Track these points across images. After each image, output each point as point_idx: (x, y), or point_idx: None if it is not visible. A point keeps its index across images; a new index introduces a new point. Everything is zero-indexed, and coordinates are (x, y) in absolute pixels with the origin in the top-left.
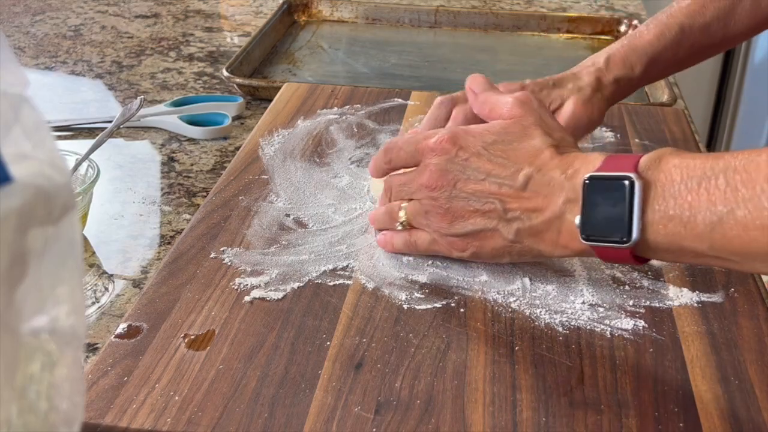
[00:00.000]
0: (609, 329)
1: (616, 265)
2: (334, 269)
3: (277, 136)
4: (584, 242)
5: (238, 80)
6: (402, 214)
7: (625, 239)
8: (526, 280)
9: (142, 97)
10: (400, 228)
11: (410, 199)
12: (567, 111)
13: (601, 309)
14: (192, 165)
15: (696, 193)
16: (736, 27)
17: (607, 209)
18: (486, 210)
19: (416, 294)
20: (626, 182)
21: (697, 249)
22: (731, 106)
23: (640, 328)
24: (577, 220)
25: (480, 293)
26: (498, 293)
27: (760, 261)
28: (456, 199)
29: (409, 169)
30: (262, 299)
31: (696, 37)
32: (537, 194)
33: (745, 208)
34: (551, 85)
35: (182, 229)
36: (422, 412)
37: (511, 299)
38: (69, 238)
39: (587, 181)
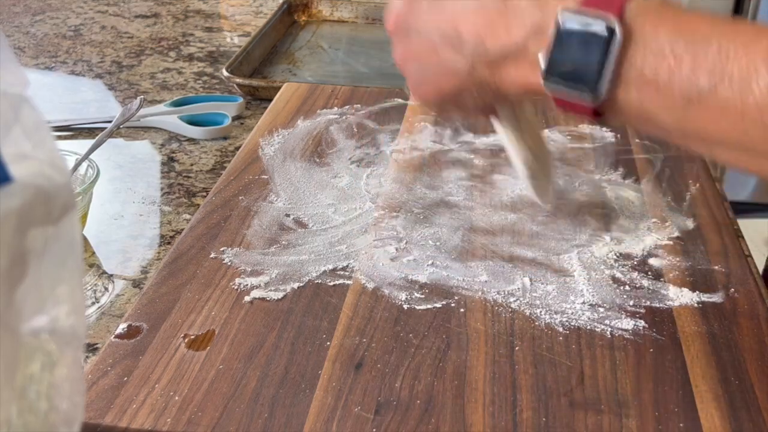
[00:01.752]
0: (609, 329)
1: (616, 265)
2: (334, 269)
3: (277, 136)
4: (544, 83)
5: (238, 80)
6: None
7: (591, 93)
8: (526, 280)
9: (142, 97)
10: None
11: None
12: None
13: (601, 309)
14: (192, 165)
15: (680, 58)
16: None
17: (578, 52)
18: (443, 41)
19: (416, 294)
20: (605, 26)
21: (665, 122)
22: None
23: (640, 328)
24: (542, 56)
25: (480, 293)
26: (498, 293)
27: (725, 148)
28: (415, 32)
29: None
30: (262, 299)
31: None
32: (498, 18)
33: (730, 88)
34: None
35: (182, 229)
36: (422, 413)
37: (511, 299)
38: (69, 238)
39: (561, 14)
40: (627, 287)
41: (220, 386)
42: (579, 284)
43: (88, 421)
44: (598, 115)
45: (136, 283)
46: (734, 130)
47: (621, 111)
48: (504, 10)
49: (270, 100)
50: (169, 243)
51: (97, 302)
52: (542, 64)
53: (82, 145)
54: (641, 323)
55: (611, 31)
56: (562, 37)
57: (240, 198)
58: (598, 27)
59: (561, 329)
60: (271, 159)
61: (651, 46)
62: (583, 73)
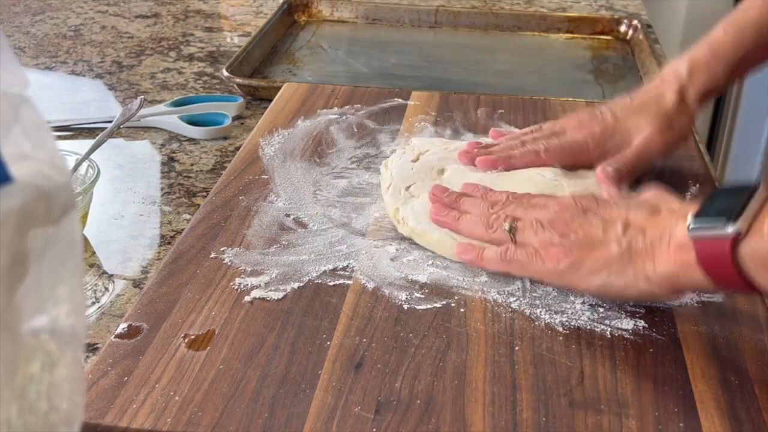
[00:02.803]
0: (609, 329)
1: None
2: (334, 269)
3: (277, 136)
4: (689, 234)
5: (238, 80)
6: (506, 225)
7: (728, 223)
8: (526, 280)
9: (142, 97)
10: (504, 232)
11: (516, 219)
12: (643, 138)
13: (601, 309)
14: (192, 165)
15: None
16: None
17: (723, 203)
18: (606, 227)
19: (416, 294)
20: (749, 187)
21: None
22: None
23: (640, 328)
24: (690, 217)
25: (480, 293)
26: (498, 293)
27: None
28: (579, 220)
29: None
30: (262, 299)
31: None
32: (661, 218)
33: None
34: (632, 109)
35: (182, 229)
36: (422, 412)
37: (511, 299)
38: (69, 238)
39: (711, 190)
40: None
41: (220, 386)
42: None
43: (88, 421)
44: (741, 275)
45: (137, 283)
46: None
47: (757, 256)
48: (668, 211)
49: (270, 100)
50: (169, 243)
51: (98, 302)
52: (689, 221)
53: (82, 145)
54: (641, 323)
55: (755, 188)
56: (709, 200)
57: (240, 198)
58: (743, 187)
59: (561, 329)
60: (271, 159)
61: None
62: (723, 211)
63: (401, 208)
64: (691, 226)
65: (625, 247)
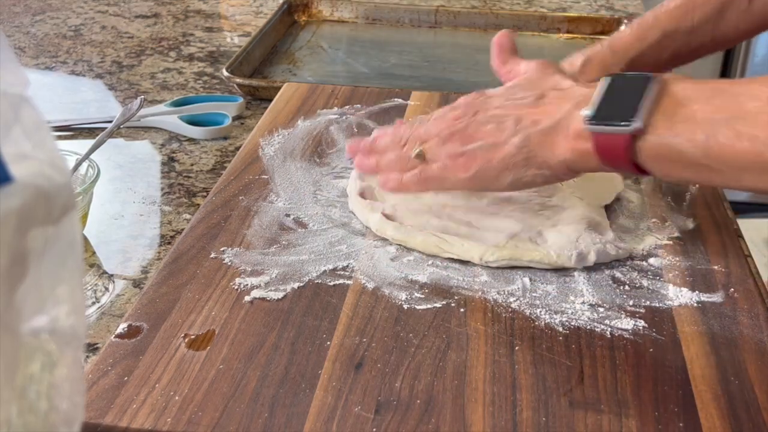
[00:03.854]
0: (609, 329)
1: (616, 264)
2: (334, 269)
3: (277, 136)
4: (587, 127)
5: (238, 80)
6: (415, 150)
7: (628, 121)
8: (526, 280)
9: (142, 97)
10: (416, 159)
11: (423, 142)
12: None
13: (601, 309)
14: (192, 165)
15: (703, 104)
16: (725, 31)
17: (619, 99)
18: (500, 128)
19: (416, 294)
20: (644, 79)
21: (692, 155)
22: None
23: (640, 328)
24: (586, 110)
25: (480, 293)
26: (498, 293)
27: (748, 173)
28: (474, 123)
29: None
30: (262, 299)
31: (681, 41)
32: (550, 103)
33: (743, 120)
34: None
35: (182, 229)
36: (422, 412)
37: (511, 299)
38: (69, 238)
39: (605, 80)
40: (627, 287)
41: (220, 386)
42: (579, 284)
43: (89, 421)
44: (634, 164)
45: (137, 283)
46: (748, 153)
47: (653, 148)
48: (556, 96)
49: (270, 100)
50: (169, 243)
51: (98, 302)
52: (586, 116)
53: (83, 145)
54: (641, 323)
55: (648, 80)
56: (605, 93)
57: (240, 198)
58: (638, 80)
59: (561, 329)
60: (271, 159)
61: (680, 95)
62: (622, 109)
63: (370, 218)
64: (588, 119)
65: (523, 141)
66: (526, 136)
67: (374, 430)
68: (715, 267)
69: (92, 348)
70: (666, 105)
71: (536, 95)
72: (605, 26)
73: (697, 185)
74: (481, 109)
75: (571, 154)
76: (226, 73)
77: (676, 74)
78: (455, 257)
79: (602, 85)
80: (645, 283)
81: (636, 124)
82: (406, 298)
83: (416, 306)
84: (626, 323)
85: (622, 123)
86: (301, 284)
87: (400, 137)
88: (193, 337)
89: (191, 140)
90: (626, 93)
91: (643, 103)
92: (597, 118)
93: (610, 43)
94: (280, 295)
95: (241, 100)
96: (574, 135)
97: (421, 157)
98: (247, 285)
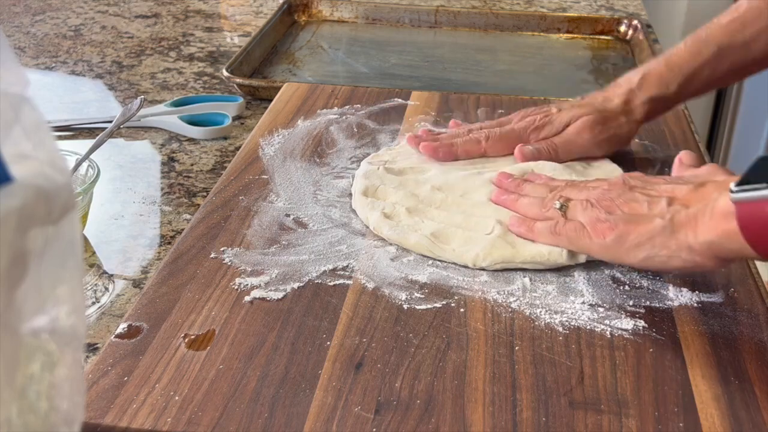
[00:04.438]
0: (609, 329)
1: (616, 264)
2: (334, 269)
3: (277, 136)
4: (731, 198)
5: (238, 80)
6: (557, 203)
7: None
8: (526, 280)
9: (142, 97)
10: (555, 210)
11: (568, 200)
12: (573, 127)
13: (601, 309)
14: (192, 165)
15: None
16: None
17: (765, 169)
18: (650, 205)
19: (416, 294)
20: None
21: None
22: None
23: (640, 328)
24: (733, 184)
25: (480, 293)
26: (498, 293)
27: None
28: (626, 196)
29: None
30: (262, 299)
31: (736, 55)
32: (706, 190)
33: None
34: (577, 105)
35: (182, 229)
36: (422, 412)
37: (511, 299)
38: (69, 238)
39: (756, 158)
40: (627, 287)
41: (220, 386)
42: (579, 284)
43: (89, 421)
44: None
45: (137, 283)
46: None
47: None
48: (714, 185)
49: (270, 100)
50: (169, 243)
51: (98, 302)
52: (734, 184)
53: (83, 145)
54: (641, 323)
55: None
56: (751, 170)
57: (240, 198)
58: None
59: (561, 329)
60: (271, 159)
61: None
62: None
63: (370, 216)
64: (733, 191)
65: (669, 220)
66: (673, 215)
67: (374, 430)
68: None
69: (92, 348)
70: None
71: (696, 184)
72: (605, 26)
73: None
74: (638, 186)
75: (716, 234)
76: (226, 73)
77: None
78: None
79: (752, 163)
80: (645, 283)
81: None
82: (406, 298)
83: (416, 306)
84: (626, 323)
85: (765, 188)
86: (301, 284)
87: (551, 187)
88: (193, 337)
89: (191, 140)
90: None
91: None
92: (742, 187)
93: (666, 60)
94: (280, 295)
95: (241, 100)
96: (719, 214)
97: (563, 210)
98: (247, 285)
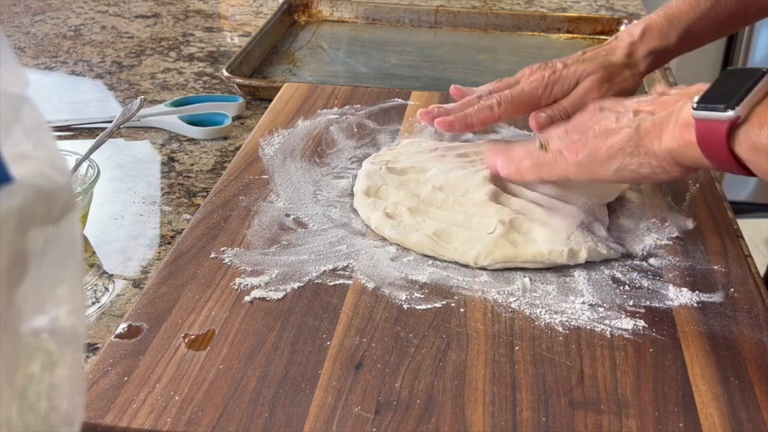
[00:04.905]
0: (609, 329)
1: (616, 264)
2: (334, 269)
3: (277, 136)
4: (693, 113)
5: (238, 80)
6: (538, 143)
7: (729, 108)
8: (526, 280)
9: (142, 97)
10: (538, 151)
11: (548, 140)
12: (581, 88)
13: (601, 309)
14: (192, 165)
15: None
16: None
17: (727, 89)
18: (618, 118)
19: (416, 294)
20: (756, 73)
21: None
22: None
23: (640, 328)
24: (696, 98)
25: (480, 293)
26: (498, 293)
27: None
28: (597, 116)
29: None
30: (262, 299)
31: (732, 6)
32: (669, 98)
33: None
34: (581, 59)
35: (182, 229)
36: (422, 412)
37: (511, 299)
38: (69, 238)
39: (721, 73)
40: (627, 287)
41: (220, 386)
42: (579, 284)
43: (89, 421)
44: (735, 158)
45: (137, 283)
46: None
47: (750, 140)
48: (676, 92)
49: (270, 100)
50: (169, 243)
51: (98, 302)
52: (696, 98)
53: (83, 145)
54: (641, 323)
55: (763, 74)
56: (716, 82)
57: (240, 198)
58: (752, 72)
59: (561, 329)
60: (271, 159)
61: None
62: (726, 96)
63: (372, 216)
64: (694, 106)
65: (635, 128)
66: (638, 124)
67: (374, 430)
68: (715, 267)
69: (92, 348)
70: None
71: (659, 93)
72: (605, 26)
73: (698, 185)
74: (608, 106)
75: (677, 143)
76: (226, 73)
77: None
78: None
79: (718, 76)
80: (645, 283)
81: (735, 112)
82: (406, 298)
83: (416, 306)
84: (626, 323)
85: (723, 110)
86: (301, 284)
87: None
88: (193, 337)
89: (191, 140)
90: (737, 84)
91: (749, 95)
92: (702, 104)
93: (666, 13)
94: (280, 295)
95: (241, 100)
96: (681, 124)
97: (543, 148)
98: (247, 285)
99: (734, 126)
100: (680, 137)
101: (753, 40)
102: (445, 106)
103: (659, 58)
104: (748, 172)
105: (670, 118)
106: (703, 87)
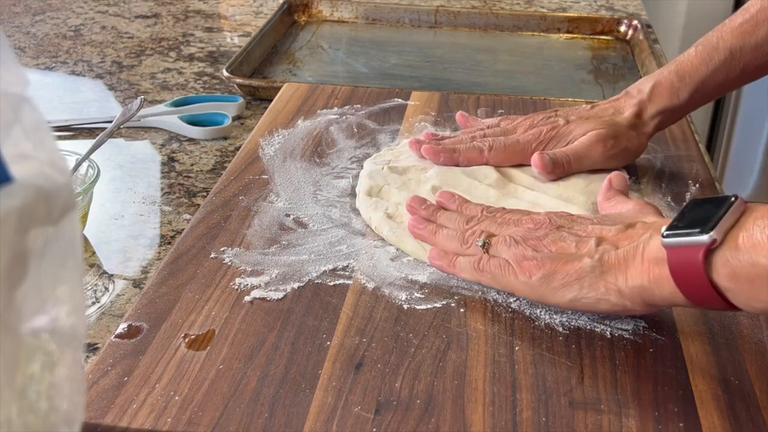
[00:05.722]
0: (609, 329)
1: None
2: (334, 269)
3: (277, 136)
4: (662, 242)
5: (238, 80)
6: (480, 241)
7: (704, 232)
8: None
9: (142, 97)
10: (478, 247)
11: (490, 235)
12: (586, 140)
13: None
14: (192, 165)
15: None
16: None
17: (699, 213)
18: (579, 245)
19: (416, 294)
20: (727, 199)
21: None
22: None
23: (640, 328)
24: (665, 228)
25: (480, 293)
26: (498, 293)
27: None
28: (554, 235)
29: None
30: (263, 299)
31: (748, 58)
32: (635, 232)
33: None
34: (586, 116)
35: (182, 229)
36: (422, 412)
37: (511, 299)
38: (69, 238)
39: (688, 202)
40: None
41: (220, 386)
42: None
43: (89, 421)
44: (712, 286)
45: (137, 283)
46: None
47: (732, 265)
48: (642, 226)
49: (270, 100)
50: (169, 243)
51: (98, 302)
52: (663, 232)
53: (83, 145)
54: (641, 323)
55: (734, 199)
56: (684, 212)
57: (240, 198)
58: (720, 200)
59: (561, 329)
60: (271, 159)
61: (761, 212)
62: (699, 221)
63: (372, 216)
64: (664, 235)
65: (597, 261)
66: (601, 255)
67: (374, 430)
68: None
69: (92, 348)
70: (747, 220)
71: (625, 224)
72: (605, 26)
73: (698, 185)
74: (565, 225)
75: (647, 279)
76: (226, 73)
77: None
78: None
79: (685, 205)
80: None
81: (711, 235)
82: (406, 298)
83: (416, 306)
84: (626, 323)
85: (697, 234)
86: (301, 284)
87: (467, 216)
88: (193, 337)
89: (191, 140)
90: (707, 210)
91: (724, 217)
92: (673, 232)
93: (677, 68)
94: (280, 295)
95: (241, 100)
96: (650, 259)
97: (485, 248)
98: (247, 285)
99: (710, 251)
100: (650, 272)
101: None
102: (437, 135)
103: (668, 117)
104: (728, 306)
105: (636, 251)
106: (665, 220)
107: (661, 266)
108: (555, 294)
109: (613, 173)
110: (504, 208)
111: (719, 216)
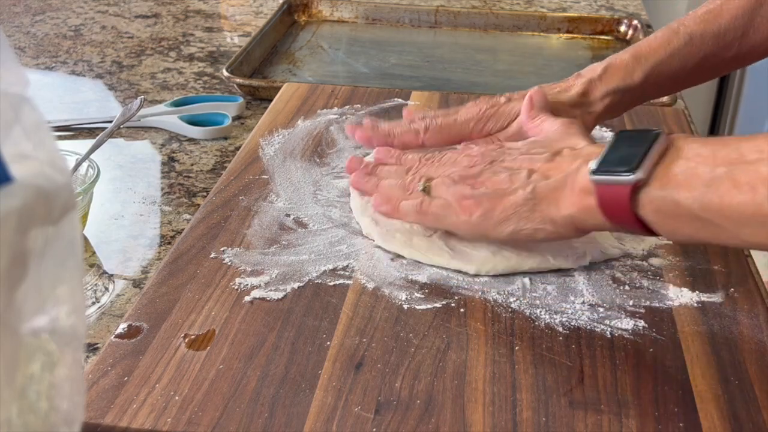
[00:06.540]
0: (609, 329)
1: (616, 264)
2: (334, 269)
3: (277, 136)
4: (591, 178)
5: (238, 80)
6: (421, 185)
7: (630, 172)
8: (526, 280)
9: (142, 97)
10: (419, 192)
11: (429, 179)
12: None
13: (601, 309)
14: (192, 165)
15: (706, 157)
16: (754, 38)
17: (625, 152)
18: (512, 179)
19: (416, 294)
20: (652, 134)
21: (691, 208)
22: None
23: (640, 328)
24: (593, 163)
25: (480, 293)
26: (498, 293)
27: (747, 227)
28: (488, 171)
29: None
30: (263, 299)
31: (708, 47)
32: (563, 160)
33: (743, 170)
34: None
35: (182, 229)
36: (422, 412)
37: (511, 299)
38: (69, 238)
39: (615, 135)
40: (627, 287)
41: (220, 386)
42: (579, 284)
43: (89, 421)
44: (636, 217)
45: (137, 283)
46: (747, 205)
47: (654, 202)
48: (569, 153)
49: (270, 100)
50: (169, 243)
51: (98, 302)
52: (591, 168)
53: (83, 145)
54: (641, 323)
55: (657, 135)
56: (612, 147)
57: (240, 198)
58: (646, 134)
59: (561, 329)
60: (271, 159)
61: (684, 152)
62: (625, 160)
63: (361, 221)
64: (592, 171)
65: (530, 192)
66: (533, 188)
67: (374, 430)
68: (715, 267)
69: (92, 348)
70: (670, 158)
71: (552, 152)
72: (605, 26)
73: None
74: (497, 159)
75: (577, 209)
76: (226, 73)
77: (686, 135)
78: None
79: (611, 140)
80: (645, 283)
81: (637, 175)
82: (406, 298)
83: (416, 306)
84: (626, 323)
85: (625, 174)
86: (301, 284)
87: (406, 167)
88: (193, 337)
89: (191, 140)
90: (633, 146)
91: (648, 156)
92: (601, 169)
93: (634, 50)
94: (280, 295)
95: (241, 100)
96: (579, 190)
97: (426, 191)
98: (247, 285)
99: (636, 189)
100: (580, 203)
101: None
102: (381, 122)
103: (621, 98)
104: (652, 233)
105: (565, 183)
106: (596, 150)
107: (590, 198)
108: (495, 229)
109: (532, 89)
110: (440, 152)
111: (644, 153)
